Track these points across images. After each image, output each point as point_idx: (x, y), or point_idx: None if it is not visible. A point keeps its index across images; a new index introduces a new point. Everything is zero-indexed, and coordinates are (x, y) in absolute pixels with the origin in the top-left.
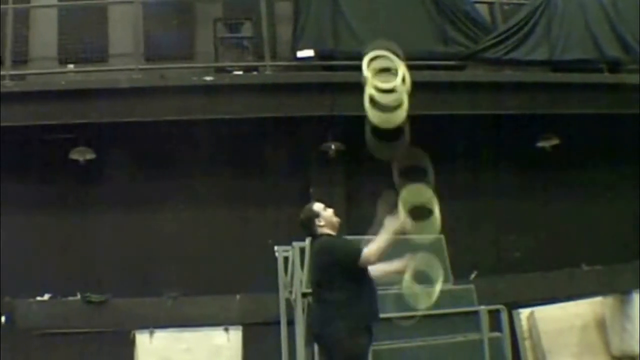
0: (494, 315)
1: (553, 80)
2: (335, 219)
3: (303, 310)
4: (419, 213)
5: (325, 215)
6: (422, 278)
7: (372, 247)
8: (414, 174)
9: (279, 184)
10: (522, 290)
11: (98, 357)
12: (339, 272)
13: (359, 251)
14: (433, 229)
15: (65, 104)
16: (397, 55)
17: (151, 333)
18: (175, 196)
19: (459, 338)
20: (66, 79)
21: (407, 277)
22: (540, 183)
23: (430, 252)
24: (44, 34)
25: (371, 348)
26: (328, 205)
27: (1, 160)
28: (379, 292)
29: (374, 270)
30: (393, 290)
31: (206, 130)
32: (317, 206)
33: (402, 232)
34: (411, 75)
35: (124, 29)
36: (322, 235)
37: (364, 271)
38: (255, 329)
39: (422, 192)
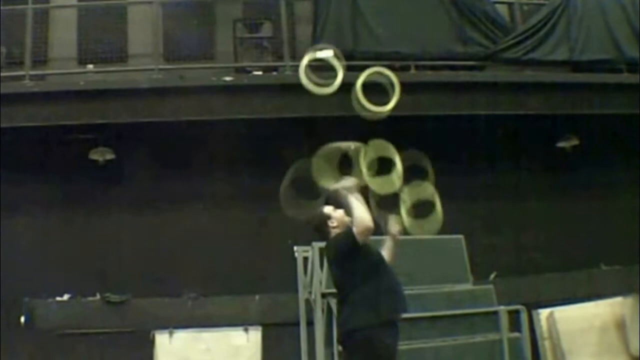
0: (514, 315)
1: (573, 80)
2: (348, 219)
3: (322, 310)
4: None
5: (336, 216)
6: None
7: (356, 217)
8: None
9: None
10: (542, 290)
11: (117, 357)
12: (355, 268)
13: (350, 230)
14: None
15: (84, 104)
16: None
17: (171, 333)
18: (194, 196)
19: (479, 338)
20: (85, 79)
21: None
22: (560, 183)
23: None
24: (64, 34)
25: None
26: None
27: (21, 160)
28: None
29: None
30: (407, 291)
31: (226, 130)
32: (327, 209)
33: (361, 187)
34: (431, 76)
35: (143, 29)
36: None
37: (381, 264)
38: (275, 329)
39: (384, 147)
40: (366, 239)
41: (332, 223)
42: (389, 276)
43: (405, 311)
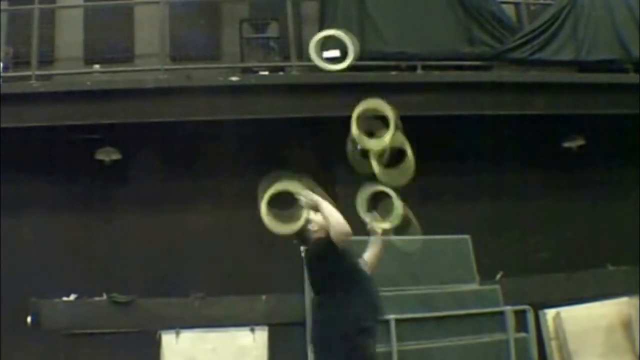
0: (520, 315)
1: (579, 80)
2: None
3: None
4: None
5: (316, 220)
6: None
7: (331, 224)
8: None
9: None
10: (548, 290)
11: (124, 357)
12: (331, 275)
13: (329, 240)
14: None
15: (91, 104)
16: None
17: (177, 333)
18: (201, 196)
19: (485, 338)
20: (92, 79)
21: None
22: (566, 183)
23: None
24: (70, 34)
25: (376, 349)
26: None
27: (27, 161)
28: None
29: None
30: (414, 291)
31: (232, 130)
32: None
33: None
34: (437, 76)
35: (149, 29)
36: (316, 239)
37: (357, 269)
38: (281, 329)
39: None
40: (346, 244)
41: (313, 227)
42: (366, 281)
43: (382, 316)
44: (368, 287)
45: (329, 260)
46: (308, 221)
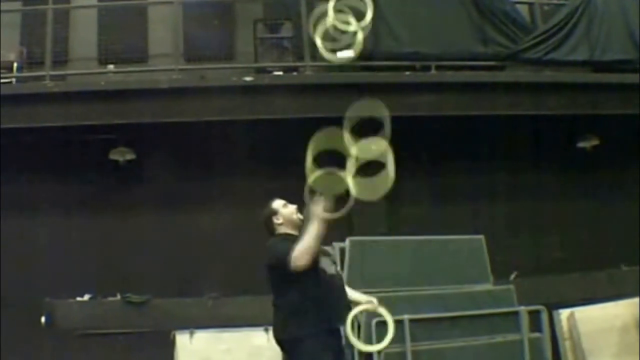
0: (534, 315)
1: (593, 80)
2: (297, 217)
3: None
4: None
5: (284, 212)
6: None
7: (299, 247)
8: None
9: None
10: (562, 290)
11: (138, 357)
12: (284, 276)
13: (286, 256)
14: (385, 185)
15: (105, 104)
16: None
17: (191, 333)
18: (215, 196)
19: (499, 339)
20: (106, 79)
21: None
22: (580, 183)
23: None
24: (84, 35)
25: (338, 352)
26: (291, 201)
27: (42, 161)
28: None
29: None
30: (427, 291)
31: (246, 130)
32: (277, 203)
33: (330, 217)
34: (451, 76)
35: (164, 29)
36: (279, 235)
37: (316, 271)
38: None
39: (375, 146)
40: (297, 268)
41: (278, 220)
42: (321, 285)
43: (338, 323)
44: (322, 291)
45: (271, 264)
46: (275, 212)
